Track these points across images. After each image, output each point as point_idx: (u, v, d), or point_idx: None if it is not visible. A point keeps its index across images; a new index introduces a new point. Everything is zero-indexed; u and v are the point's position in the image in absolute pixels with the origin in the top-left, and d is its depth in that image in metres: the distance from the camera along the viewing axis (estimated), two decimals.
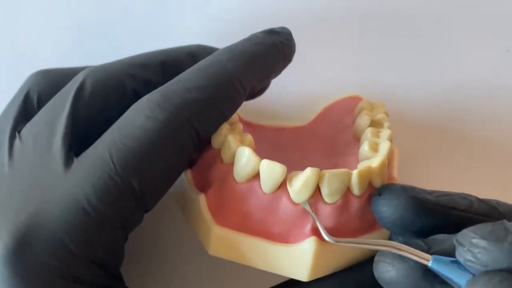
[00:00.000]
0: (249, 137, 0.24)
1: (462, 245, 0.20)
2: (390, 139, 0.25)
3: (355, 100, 0.29)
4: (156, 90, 0.23)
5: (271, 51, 0.25)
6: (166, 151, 0.22)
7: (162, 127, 0.22)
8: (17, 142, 0.23)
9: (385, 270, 0.21)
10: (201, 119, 0.22)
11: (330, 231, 0.23)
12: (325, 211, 0.23)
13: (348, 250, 0.23)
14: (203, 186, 0.25)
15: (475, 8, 0.32)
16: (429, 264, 0.20)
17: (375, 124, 0.26)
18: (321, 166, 0.23)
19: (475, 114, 0.32)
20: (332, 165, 0.26)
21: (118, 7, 0.32)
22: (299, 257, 0.23)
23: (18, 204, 0.22)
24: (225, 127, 0.24)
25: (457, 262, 0.20)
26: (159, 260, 0.30)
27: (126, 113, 0.23)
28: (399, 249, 0.21)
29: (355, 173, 0.22)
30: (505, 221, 0.20)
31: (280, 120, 0.31)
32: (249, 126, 0.29)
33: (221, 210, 0.24)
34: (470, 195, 0.23)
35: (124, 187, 0.21)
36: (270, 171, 0.22)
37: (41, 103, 0.25)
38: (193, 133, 0.22)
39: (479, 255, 0.19)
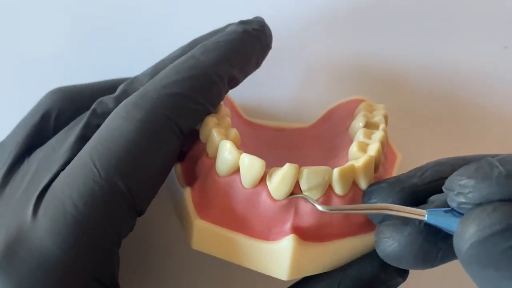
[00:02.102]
0: (234, 132, 0.24)
1: (451, 190, 0.19)
2: (382, 141, 0.24)
3: (359, 102, 0.29)
4: (134, 93, 0.23)
5: (244, 39, 0.25)
6: (147, 148, 0.21)
7: (139, 125, 0.21)
8: (24, 164, 0.24)
9: (387, 246, 0.21)
10: (180, 112, 0.22)
11: (311, 232, 0.22)
12: (306, 209, 0.22)
13: (330, 250, 0.23)
14: (190, 180, 0.25)
15: (473, 5, 0.32)
16: (425, 218, 0.20)
17: (371, 126, 0.26)
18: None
19: (474, 111, 0.32)
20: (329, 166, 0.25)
21: (119, 5, 0.32)
22: (278, 255, 0.22)
23: (9, 218, 0.22)
24: (212, 121, 0.24)
25: (451, 211, 0.20)
26: (156, 269, 0.30)
27: (106, 119, 0.23)
28: (394, 210, 0.21)
29: (336, 171, 0.22)
30: (487, 157, 0.19)
31: (282, 122, 0.30)
32: (249, 125, 0.29)
33: (205, 204, 0.24)
34: (446, 159, 0.23)
35: (110, 190, 0.21)
36: (249, 165, 0.22)
37: (58, 124, 0.26)
38: (174, 128, 0.22)
39: (470, 195, 0.19)
